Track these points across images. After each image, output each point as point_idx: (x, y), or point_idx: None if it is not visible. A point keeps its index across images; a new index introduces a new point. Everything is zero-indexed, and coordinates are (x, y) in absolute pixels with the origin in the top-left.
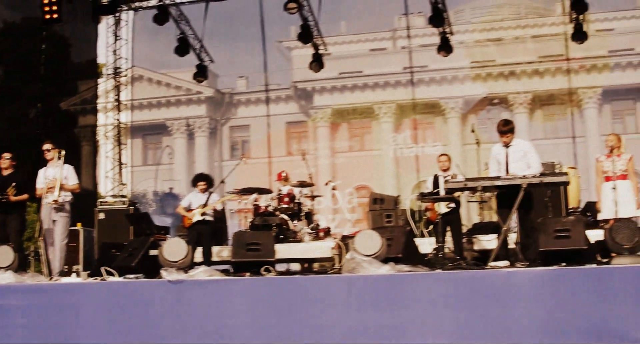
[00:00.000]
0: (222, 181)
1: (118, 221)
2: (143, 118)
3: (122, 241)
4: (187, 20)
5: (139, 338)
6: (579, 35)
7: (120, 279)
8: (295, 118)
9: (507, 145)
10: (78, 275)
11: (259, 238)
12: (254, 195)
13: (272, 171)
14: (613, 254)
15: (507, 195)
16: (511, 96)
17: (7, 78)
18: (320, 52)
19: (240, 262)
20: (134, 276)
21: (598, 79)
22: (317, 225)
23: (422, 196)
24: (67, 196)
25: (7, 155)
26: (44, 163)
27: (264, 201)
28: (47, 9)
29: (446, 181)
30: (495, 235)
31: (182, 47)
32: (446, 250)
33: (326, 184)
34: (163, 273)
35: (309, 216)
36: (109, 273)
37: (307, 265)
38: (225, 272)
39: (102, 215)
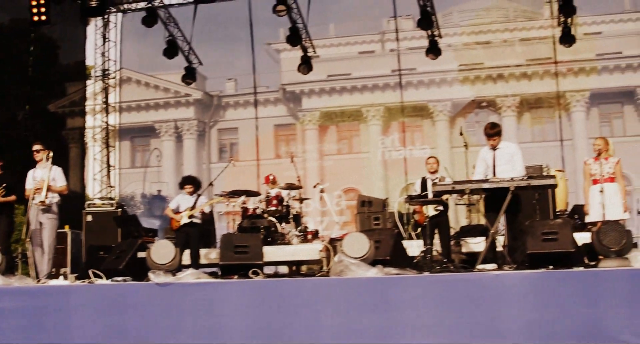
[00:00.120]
0: (211, 184)
1: (106, 223)
2: (131, 121)
3: (109, 243)
4: (176, 23)
5: (126, 340)
6: (567, 38)
7: (108, 281)
8: (283, 120)
9: (494, 148)
10: (66, 278)
11: (247, 240)
12: (242, 198)
13: (260, 173)
14: (600, 257)
15: (494, 197)
16: (499, 99)
17: None
18: (309, 54)
19: (228, 265)
20: (121, 278)
21: (586, 82)
22: (305, 227)
23: (410, 199)
24: (55, 198)
25: None
26: (33, 164)
27: (252, 203)
28: (35, 10)
29: (434, 184)
30: (483, 238)
31: (171, 50)
32: (434, 253)
33: (314, 187)
34: (151, 275)
35: (297, 218)
36: (97, 276)
37: (295, 268)
38: (213, 275)
39: (89, 218)
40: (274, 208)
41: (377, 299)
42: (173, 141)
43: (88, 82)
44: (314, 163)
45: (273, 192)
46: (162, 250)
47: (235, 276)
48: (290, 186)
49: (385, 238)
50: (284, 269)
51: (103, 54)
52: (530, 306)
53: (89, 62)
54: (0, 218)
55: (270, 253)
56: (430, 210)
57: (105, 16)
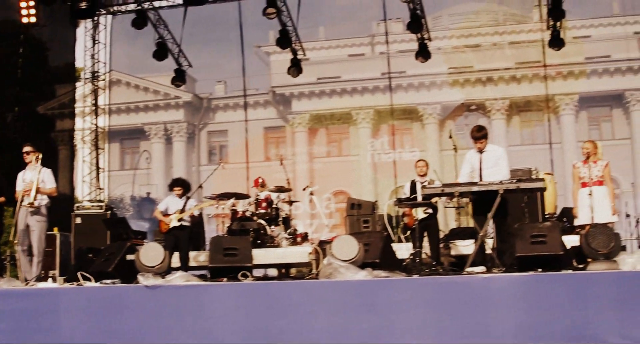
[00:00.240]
0: (200, 187)
1: (95, 226)
2: (121, 123)
3: (99, 246)
4: (166, 25)
5: (115, 343)
6: (556, 42)
7: (97, 284)
8: (273, 123)
9: (481, 151)
10: (54, 280)
11: (237, 243)
12: (232, 200)
13: (250, 176)
14: (589, 260)
15: (482, 200)
16: (488, 102)
17: None
18: (299, 57)
19: (217, 267)
20: (110, 281)
21: (575, 86)
22: (295, 230)
23: (400, 202)
24: (44, 200)
25: None
26: (22, 166)
27: (241, 206)
28: (24, 12)
29: (423, 187)
30: (472, 241)
31: (161, 52)
32: (423, 256)
33: (304, 189)
34: (140, 278)
35: (287, 221)
36: (86, 278)
37: (285, 271)
38: (202, 277)
39: (79, 220)
40: (263, 211)
41: (366, 302)
42: (162, 143)
43: (77, 84)
44: (303, 165)
45: (262, 195)
46: (151, 253)
47: (225, 279)
48: (279, 189)
49: (375, 240)
50: (273, 272)
51: (93, 56)
52: (519, 309)
53: (78, 64)
54: None
55: (260, 255)
56: (420, 213)
57: (95, 18)
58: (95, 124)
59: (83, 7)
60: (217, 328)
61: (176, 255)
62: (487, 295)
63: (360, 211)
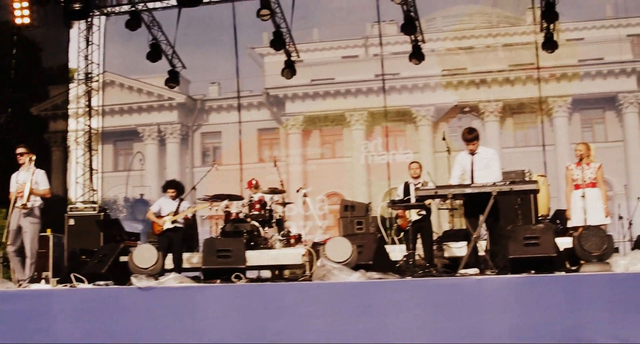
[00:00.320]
0: (194, 188)
1: (88, 227)
2: (114, 124)
3: (92, 247)
4: (160, 26)
5: None
6: (550, 44)
7: (90, 286)
8: (267, 124)
9: (472, 153)
10: (47, 282)
11: (230, 244)
12: (225, 202)
13: (243, 178)
14: (582, 262)
15: (473, 202)
16: (482, 104)
17: None
18: (293, 59)
19: (210, 269)
20: (103, 282)
21: (568, 88)
22: (288, 231)
23: (393, 204)
24: (37, 202)
25: None
26: (16, 167)
27: (235, 208)
28: (18, 13)
29: (417, 189)
30: (465, 243)
31: (154, 53)
32: (417, 257)
33: (297, 191)
34: (133, 279)
35: (280, 223)
36: (79, 280)
37: (278, 272)
38: (195, 279)
39: (72, 221)
40: (256, 213)
41: (360, 303)
42: (156, 145)
43: (71, 85)
44: (297, 167)
45: (256, 196)
46: (144, 254)
47: (218, 281)
48: (273, 191)
49: (368, 242)
50: (266, 273)
51: (86, 57)
52: (512, 311)
53: (72, 65)
54: None
55: (253, 257)
56: (413, 215)
57: (89, 19)
58: (89, 125)
59: (77, 8)
60: (211, 329)
61: (169, 256)
62: (480, 297)
63: (354, 213)
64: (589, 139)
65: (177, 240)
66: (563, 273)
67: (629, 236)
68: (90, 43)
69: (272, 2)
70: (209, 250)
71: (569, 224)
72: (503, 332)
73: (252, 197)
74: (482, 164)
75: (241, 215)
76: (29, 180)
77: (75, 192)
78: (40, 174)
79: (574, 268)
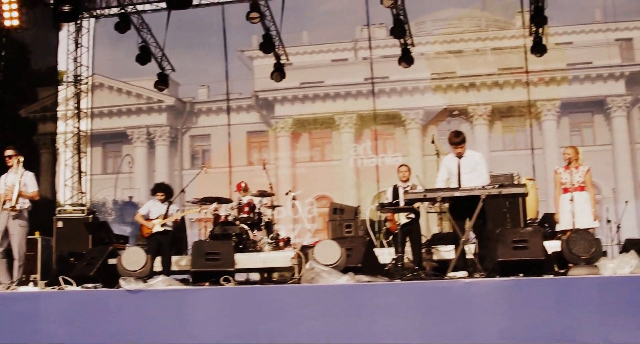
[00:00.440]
0: (182, 191)
1: (77, 230)
2: (103, 127)
3: (80, 250)
4: (149, 29)
5: None
6: (538, 48)
7: (78, 288)
8: (256, 127)
9: (459, 156)
10: (36, 284)
11: (219, 247)
12: (214, 205)
13: (232, 180)
14: (570, 265)
15: (460, 205)
16: (471, 108)
17: None
18: (282, 61)
19: (199, 272)
20: (92, 285)
21: (556, 92)
22: (277, 234)
23: (382, 207)
24: (25, 204)
25: None
26: (5, 169)
27: (224, 210)
28: (7, 15)
29: (406, 192)
30: (454, 246)
31: (144, 56)
32: (405, 261)
33: (286, 194)
34: (122, 282)
35: (269, 226)
36: (67, 282)
37: (267, 275)
38: (184, 282)
39: (60, 224)
40: (245, 215)
41: (348, 306)
42: (145, 147)
43: (60, 88)
44: (286, 170)
45: (245, 199)
46: (133, 257)
47: (207, 283)
48: (262, 194)
49: (357, 245)
50: (255, 276)
51: (75, 59)
52: (500, 314)
53: (61, 67)
54: None
55: (242, 260)
56: (402, 218)
57: (78, 21)
58: (78, 128)
59: (66, 10)
60: (199, 332)
61: (158, 259)
62: (469, 300)
63: (343, 216)
64: (577, 143)
65: (166, 242)
66: (551, 277)
67: (617, 239)
68: (79, 45)
69: (262, 5)
70: (197, 252)
71: (558, 227)
72: (492, 335)
73: (241, 200)
74: (469, 167)
75: (230, 218)
76: (17, 182)
77: (64, 195)
78: (29, 176)
79: (562, 271)
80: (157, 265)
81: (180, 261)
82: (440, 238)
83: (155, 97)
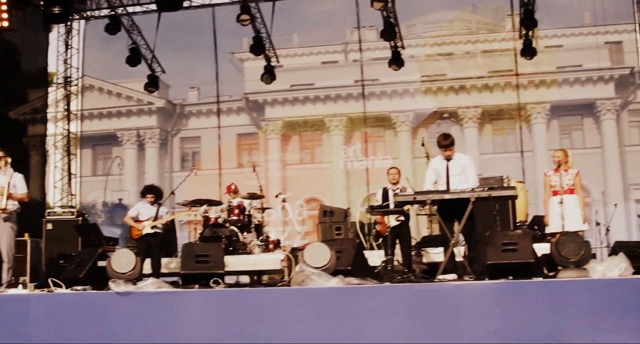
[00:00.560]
0: (172, 193)
1: (66, 232)
2: (93, 128)
3: (70, 252)
4: (139, 31)
5: None
6: (528, 51)
7: (68, 290)
8: (246, 130)
9: (448, 159)
10: (25, 286)
11: (209, 249)
12: (204, 207)
13: (222, 183)
14: (559, 267)
15: (449, 207)
16: (461, 110)
17: None
18: (272, 64)
19: (189, 274)
20: (81, 287)
21: (546, 95)
22: (267, 237)
23: (372, 209)
24: (14, 206)
25: None
26: None
27: (213, 213)
28: None
29: (396, 195)
30: (443, 248)
31: (134, 57)
32: (395, 263)
33: (276, 196)
34: (111, 284)
35: (259, 228)
36: (56, 285)
37: (257, 278)
38: (173, 284)
39: (50, 226)
40: (235, 218)
41: (338, 309)
42: (135, 149)
43: (50, 89)
44: (276, 172)
45: (235, 202)
46: (122, 259)
47: (196, 286)
48: (252, 196)
49: (347, 248)
50: (245, 279)
51: (65, 61)
52: (490, 316)
53: (51, 68)
54: None
55: (232, 262)
56: (392, 221)
57: (68, 23)
58: (68, 129)
59: (56, 12)
60: (189, 334)
61: (148, 261)
62: (458, 302)
63: (333, 218)
64: (567, 146)
65: (156, 244)
66: (541, 279)
67: (606, 242)
68: (69, 47)
69: (252, 7)
70: (187, 255)
71: (547, 230)
72: (481, 337)
73: (231, 202)
74: (458, 170)
75: (220, 220)
76: (6, 184)
77: (54, 197)
78: (19, 178)
79: (551, 273)
80: (147, 267)
81: (170, 264)
82: (430, 241)
83: (145, 99)
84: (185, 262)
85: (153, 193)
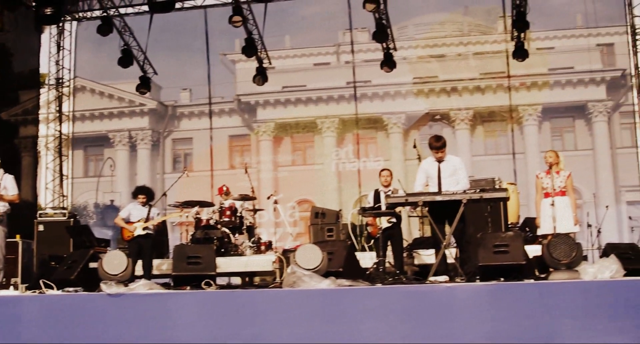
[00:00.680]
0: (164, 194)
1: (58, 233)
2: (85, 130)
3: (61, 253)
4: (131, 32)
5: None
6: (520, 53)
7: (59, 292)
8: (238, 131)
9: (439, 161)
10: (16, 288)
11: (200, 251)
12: (196, 208)
13: (214, 184)
14: (551, 269)
15: (440, 209)
16: (453, 112)
17: None
18: (264, 65)
19: (180, 275)
20: (73, 289)
21: (538, 96)
22: (259, 238)
23: (364, 211)
24: (5, 207)
25: None
26: None
27: (205, 214)
28: None
29: (387, 196)
30: (435, 250)
31: (126, 59)
32: (387, 265)
33: (268, 198)
34: (103, 286)
35: (251, 229)
36: (48, 286)
37: (248, 279)
38: (165, 286)
39: (41, 227)
40: (227, 219)
41: (330, 311)
42: (127, 151)
43: (42, 90)
44: (268, 174)
45: (227, 203)
46: (114, 261)
47: (188, 287)
48: (244, 197)
49: (338, 249)
50: (236, 280)
51: (57, 62)
52: (482, 318)
53: (43, 70)
54: None
55: (223, 264)
56: (384, 222)
57: (60, 24)
58: (59, 131)
59: (48, 13)
60: (180, 336)
61: (139, 262)
62: (450, 304)
63: (325, 220)
64: (558, 147)
65: (147, 246)
66: (532, 281)
67: (597, 244)
68: (61, 48)
69: (244, 9)
70: (179, 256)
71: (539, 232)
72: (473, 339)
73: (222, 204)
74: (449, 171)
75: (212, 222)
76: None
77: (45, 198)
78: (9, 179)
79: (543, 275)
80: (139, 269)
81: (161, 265)
82: (421, 243)
83: (137, 101)
84: (177, 264)
85: (145, 194)
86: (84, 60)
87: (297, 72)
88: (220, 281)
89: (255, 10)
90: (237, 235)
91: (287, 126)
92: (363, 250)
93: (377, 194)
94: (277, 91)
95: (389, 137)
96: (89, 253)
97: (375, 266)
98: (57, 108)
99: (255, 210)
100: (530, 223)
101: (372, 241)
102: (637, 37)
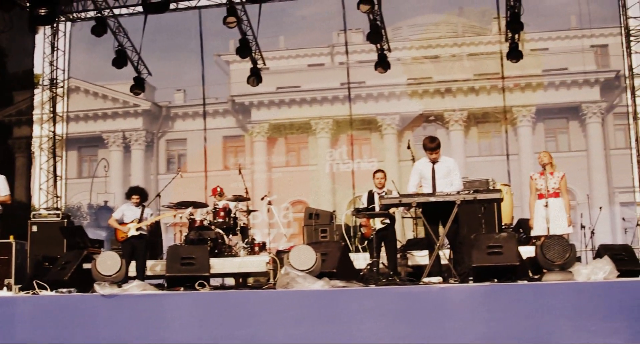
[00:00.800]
0: (158, 195)
1: (51, 234)
2: (79, 130)
3: (55, 254)
4: (126, 33)
5: None
6: (514, 54)
7: (53, 293)
8: (232, 132)
9: (434, 162)
10: (9, 289)
11: (194, 252)
12: (190, 209)
13: (208, 185)
14: (544, 270)
15: (434, 210)
16: (447, 113)
17: None
18: (259, 66)
19: (174, 276)
20: (66, 290)
21: (532, 98)
22: (253, 239)
23: (358, 212)
24: None
25: None
26: None
27: (199, 215)
28: None
29: (381, 198)
30: (428, 251)
31: (120, 59)
32: (380, 266)
33: (262, 199)
34: (96, 287)
35: (245, 230)
36: (41, 287)
37: (242, 280)
38: (159, 286)
39: (35, 228)
40: (221, 220)
41: (324, 311)
42: (121, 151)
43: (36, 91)
44: (262, 175)
45: (220, 204)
46: (108, 261)
47: (182, 288)
48: (237, 198)
49: (332, 250)
50: (230, 281)
51: (51, 63)
52: (475, 319)
53: (37, 70)
54: None
55: (217, 265)
56: (377, 223)
57: (54, 25)
58: (53, 131)
59: (42, 14)
60: (174, 337)
61: (133, 263)
62: (443, 305)
63: (318, 221)
64: (552, 149)
65: (141, 247)
66: (526, 282)
67: (591, 245)
68: (55, 49)
69: (239, 9)
70: (172, 257)
71: (532, 233)
72: (466, 340)
73: (216, 205)
74: (443, 172)
75: (205, 223)
76: None
77: (39, 199)
78: (1, 180)
79: (536, 276)
80: (132, 270)
81: (155, 266)
82: (415, 244)
83: (131, 101)
84: (171, 264)
85: (138, 194)
86: (78, 60)
87: (292, 73)
88: (214, 282)
89: (250, 11)
90: (230, 236)
91: (281, 127)
92: (357, 250)
93: (371, 195)
94: (271, 92)
95: (383, 138)
96: (83, 253)
97: (369, 267)
98: (51, 109)
99: (249, 211)
100: (524, 224)
101: (366, 242)
102: (631, 38)
